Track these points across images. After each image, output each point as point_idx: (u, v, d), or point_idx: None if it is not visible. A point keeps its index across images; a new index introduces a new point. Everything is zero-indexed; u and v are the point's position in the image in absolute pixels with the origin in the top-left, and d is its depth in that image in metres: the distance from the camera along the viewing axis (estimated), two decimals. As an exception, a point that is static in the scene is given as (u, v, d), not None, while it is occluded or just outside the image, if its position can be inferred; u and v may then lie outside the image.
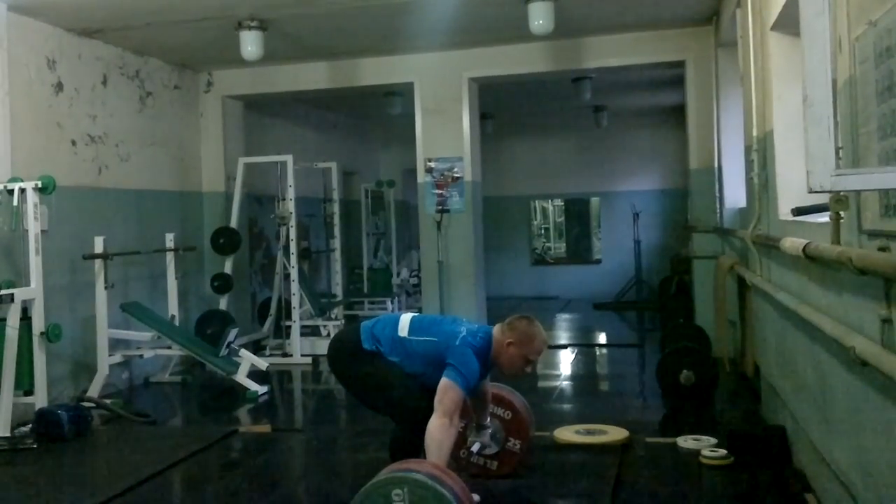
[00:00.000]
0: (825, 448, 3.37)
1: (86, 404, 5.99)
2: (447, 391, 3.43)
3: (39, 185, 5.60)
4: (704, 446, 4.55)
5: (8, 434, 5.19)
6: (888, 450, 2.48)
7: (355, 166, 12.96)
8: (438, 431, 3.34)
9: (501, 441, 4.13)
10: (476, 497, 3.88)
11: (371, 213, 12.42)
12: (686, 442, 4.70)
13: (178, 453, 4.91)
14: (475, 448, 4.02)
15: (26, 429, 5.32)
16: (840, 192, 2.59)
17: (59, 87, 6.67)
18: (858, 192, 2.63)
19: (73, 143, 6.82)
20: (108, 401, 6.24)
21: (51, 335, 5.53)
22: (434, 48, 8.15)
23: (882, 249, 2.35)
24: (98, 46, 7.14)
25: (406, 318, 3.77)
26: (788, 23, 4.18)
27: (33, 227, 5.58)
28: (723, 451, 4.40)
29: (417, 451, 3.56)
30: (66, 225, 6.49)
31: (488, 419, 4.07)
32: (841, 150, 2.70)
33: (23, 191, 5.60)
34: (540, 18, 6.34)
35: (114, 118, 7.33)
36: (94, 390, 6.45)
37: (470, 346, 3.57)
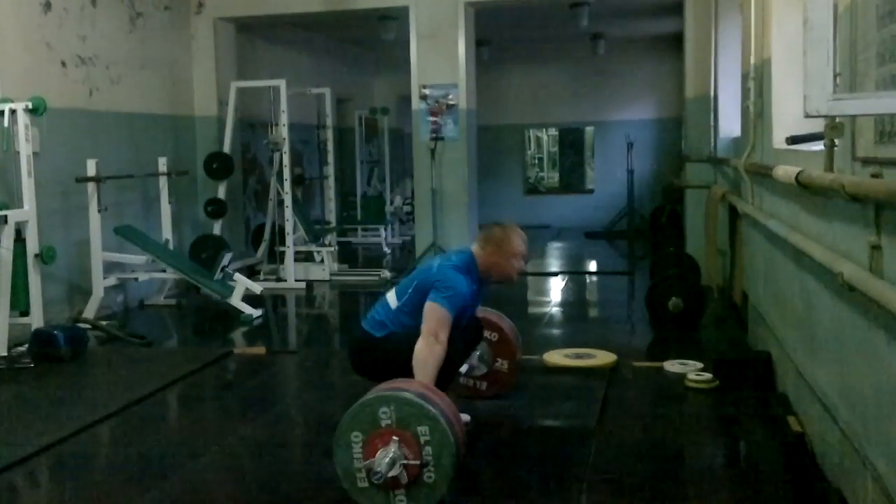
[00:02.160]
0: (809, 372, 3.45)
1: (82, 325, 6.05)
2: (429, 312, 3.44)
3: (30, 107, 5.53)
4: (690, 370, 4.64)
5: (5, 353, 5.25)
6: (870, 373, 2.55)
7: (349, 93, 12.82)
8: (423, 351, 3.36)
9: (489, 362, 4.20)
10: (466, 417, 3.98)
11: (365, 141, 12.35)
12: (672, 366, 4.79)
13: (173, 373, 4.99)
14: (464, 369, 4.09)
15: (23, 349, 5.38)
16: (836, 117, 2.60)
17: (48, 6, 6.53)
18: (853, 120, 2.63)
19: (63, 64, 6.71)
20: (103, 322, 6.29)
21: (45, 257, 5.55)
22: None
23: (875, 176, 2.37)
24: (86, -36, 6.98)
25: (390, 292, 3.76)
26: (791, -53, 4.12)
27: (25, 148, 5.54)
28: (708, 375, 4.50)
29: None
30: (58, 147, 6.44)
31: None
32: (839, 77, 2.69)
33: (13, 112, 5.54)
34: (538, -59, 6.21)
35: (104, 39, 7.21)
36: (89, 312, 6.50)
37: (450, 268, 3.58)
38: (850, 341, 2.79)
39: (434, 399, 2.96)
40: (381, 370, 3.49)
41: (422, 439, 2.86)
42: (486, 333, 4.15)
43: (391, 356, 3.54)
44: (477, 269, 3.68)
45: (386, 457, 2.83)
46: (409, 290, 3.63)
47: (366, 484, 2.90)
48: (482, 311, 4.12)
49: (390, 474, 2.83)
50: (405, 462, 2.85)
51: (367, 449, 2.88)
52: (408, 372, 3.41)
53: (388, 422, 2.87)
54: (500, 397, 4.25)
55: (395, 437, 2.86)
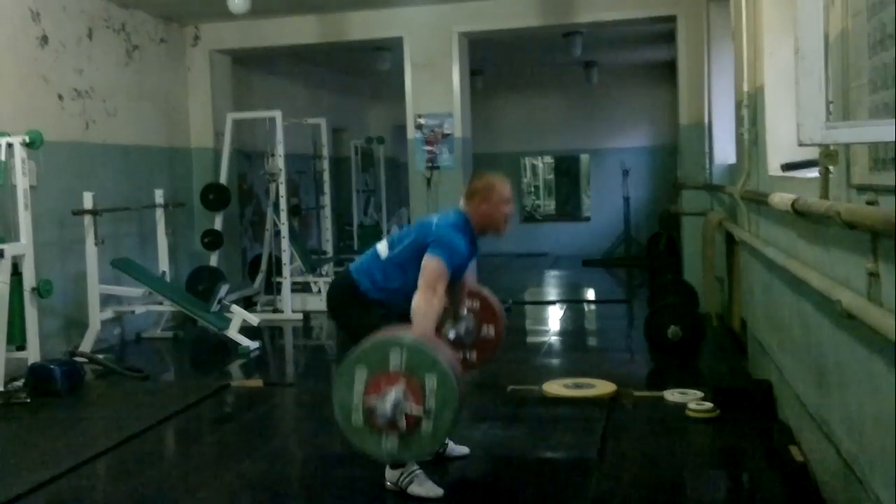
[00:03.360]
0: (810, 401, 3.43)
1: (78, 359, 6.01)
2: (428, 265, 3.39)
3: (27, 140, 5.55)
4: (691, 399, 4.61)
5: (1, 389, 5.21)
6: (871, 402, 2.53)
7: (344, 122, 12.86)
8: (422, 304, 3.29)
9: (476, 331, 4.13)
10: (464, 449, 3.95)
11: (361, 170, 12.37)
12: (673, 395, 4.77)
13: (170, 407, 4.95)
14: (451, 336, 4.03)
15: (19, 383, 5.33)
16: (830, 145, 2.61)
17: (44, 40, 6.57)
18: (848, 147, 2.64)
19: (60, 97, 6.74)
20: (100, 356, 6.26)
21: (42, 290, 5.53)
22: (423, 2, 8.06)
23: (870, 203, 2.37)
24: (83, -1, 7.03)
25: (381, 243, 3.74)
26: (781, -23, 4.16)
27: (21, 182, 5.54)
28: (709, 405, 4.47)
29: None
30: (55, 180, 6.45)
31: (465, 311, 4.07)
32: (832, 105, 2.70)
33: (10, 146, 5.55)
34: (531, -28, 6.27)
35: (100, 72, 7.25)
36: (86, 346, 6.46)
37: (450, 226, 3.56)
38: (849, 369, 2.78)
39: (445, 353, 2.92)
40: (348, 327, 3.57)
41: (428, 389, 2.82)
42: (469, 303, 4.10)
43: (364, 321, 3.51)
44: (471, 227, 3.64)
45: (389, 399, 2.79)
46: (405, 244, 3.60)
47: (360, 422, 2.86)
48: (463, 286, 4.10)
49: (390, 417, 2.78)
50: (407, 408, 2.80)
51: (370, 388, 2.84)
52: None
53: (398, 365, 2.82)
54: (501, 426, 4.21)
55: (401, 382, 2.81)
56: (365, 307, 3.59)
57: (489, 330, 4.16)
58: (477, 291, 4.17)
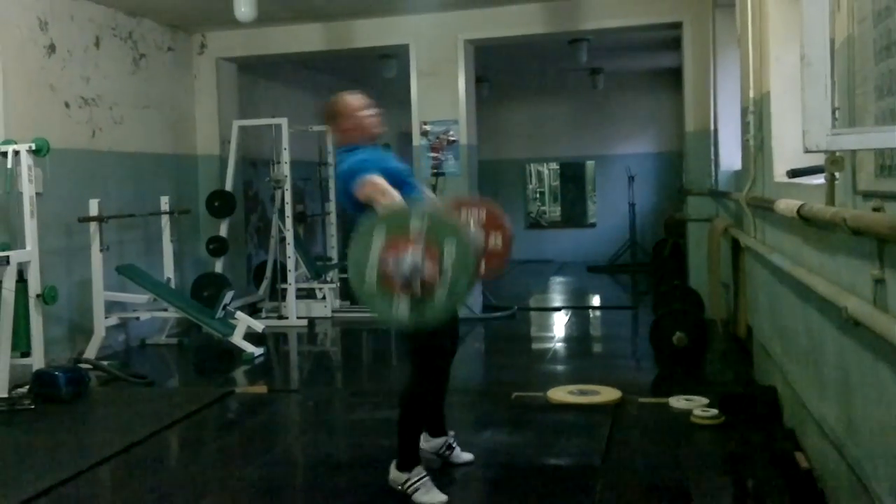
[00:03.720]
0: (815, 407, 3.41)
1: (83, 366, 6.02)
2: (361, 190, 3.31)
3: (33, 148, 5.58)
4: (696, 406, 4.60)
5: (5, 395, 5.23)
6: (877, 408, 2.52)
7: (350, 129, 12.85)
8: (385, 207, 3.20)
9: (483, 241, 4.03)
10: (468, 456, 3.95)
11: (366, 177, 12.37)
12: (678, 402, 4.75)
13: (174, 414, 4.95)
14: None
15: (24, 390, 5.34)
16: (836, 151, 2.60)
17: (52, 48, 6.60)
18: (854, 153, 2.63)
19: (67, 105, 6.77)
20: (105, 362, 6.26)
21: (47, 297, 5.54)
22: (429, 9, 8.08)
23: (876, 209, 2.36)
24: (90, 7, 7.06)
25: None
26: (786, -17, 4.16)
27: (28, 189, 5.57)
28: (714, 411, 4.46)
29: (425, 413, 3.59)
30: (61, 188, 6.47)
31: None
32: (837, 111, 2.70)
33: (16, 153, 5.58)
34: (536, -21, 6.28)
35: (107, 80, 7.27)
36: (90, 352, 6.47)
37: (344, 163, 3.53)
38: (855, 375, 2.76)
39: (467, 229, 2.95)
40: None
41: (446, 255, 2.84)
42: (476, 211, 4.04)
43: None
44: (363, 150, 3.58)
45: (407, 260, 2.81)
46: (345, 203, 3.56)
47: (374, 283, 2.86)
48: (455, 200, 4.06)
49: (406, 277, 2.80)
50: (423, 271, 2.82)
51: (388, 250, 2.85)
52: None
53: (418, 229, 2.85)
54: (505, 431, 4.20)
55: (420, 246, 2.84)
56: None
57: (496, 239, 4.04)
58: (478, 202, 4.14)
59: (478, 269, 2.96)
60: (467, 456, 3.95)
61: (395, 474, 3.51)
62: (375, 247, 2.87)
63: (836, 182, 2.82)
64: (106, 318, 6.61)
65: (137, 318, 7.10)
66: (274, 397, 5.48)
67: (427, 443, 3.86)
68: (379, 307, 2.93)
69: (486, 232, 4.02)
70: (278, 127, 8.30)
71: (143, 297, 6.97)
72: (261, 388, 5.63)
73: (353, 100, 3.70)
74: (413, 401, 3.54)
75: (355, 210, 3.49)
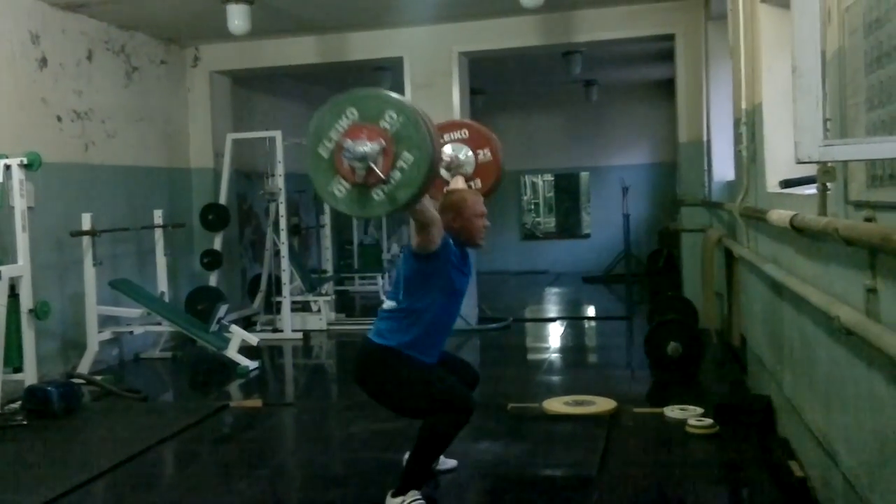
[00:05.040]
0: (809, 417, 3.41)
1: (76, 381, 5.99)
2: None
3: (25, 162, 5.57)
4: (691, 416, 4.60)
5: (-2, 410, 5.20)
6: (871, 418, 2.52)
7: (344, 142, 12.87)
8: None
9: (474, 159, 4.06)
10: (452, 462, 3.93)
11: (360, 189, 12.37)
12: (673, 412, 4.75)
13: (169, 428, 4.93)
14: (446, 175, 3.97)
15: (16, 405, 5.32)
16: (828, 162, 2.61)
17: (44, 62, 6.60)
18: (845, 164, 2.64)
19: (59, 118, 6.76)
20: (98, 377, 6.24)
21: (39, 312, 5.52)
22: (423, 22, 8.10)
23: (868, 220, 2.37)
24: (82, 21, 7.06)
25: (384, 304, 3.66)
26: (777, -6, 4.18)
27: (19, 203, 5.55)
28: (709, 421, 4.46)
29: (446, 447, 3.56)
30: (53, 202, 6.46)
31: (447, 154, 3.98)
32: (829, 122, 2.71)
33: (8, 167, 5.56)
34: (530, -9, 6.31)
35: (100, 94, 7.27)
36: (84, 367, 6.45)
37: None
38: (849, 385, 2.76)
39: (438, 146, 2.91)
40: (382, 394, 3.54)
41: (401, 163, 2.81)
42: (457, 133, 4.06)
43: (396, 383, 3.49)
44: (451, 241, 3.56)
45: (365, 147, 2.78)
46: (402, 277, 3.55)
47: (325, 155, 2.85)
48: (440, 124, 3.98)
49: (355, 160, 2.77)
50: (375, 165, 2.79)
51: (352, 131, 2.82)
52: (401, 402, 3.52)
53: (387, 126, 2.81)
54: (499, 440, 4.19)
55: (382, 141, 2.80)
56: (403, 363, 3.48)
57: (485, 153, 4.06)
58: (459, 122, 4.14)
59: (425, 189, 2.91)
60: (451, 462, 3.95)
61: (390, 501, 3.46)
62: (342, 123, 2.84)
63: (828, 192, 2.83)
64: (99, 332, 6.59)
65: (131, 333, 7.07)
66: (269, 411, 5.45)
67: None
68: (319, 179, 2.89)
69: (474, 149, 4.05)
70: (272, 140, 8.30)
71: (136, 312, 6.95)
72: (256, 402, 5.61)
73: (476, 204, 3.65)
74: (435, 437, 3.45)
75: (409, 285, 3.49)
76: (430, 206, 3.28)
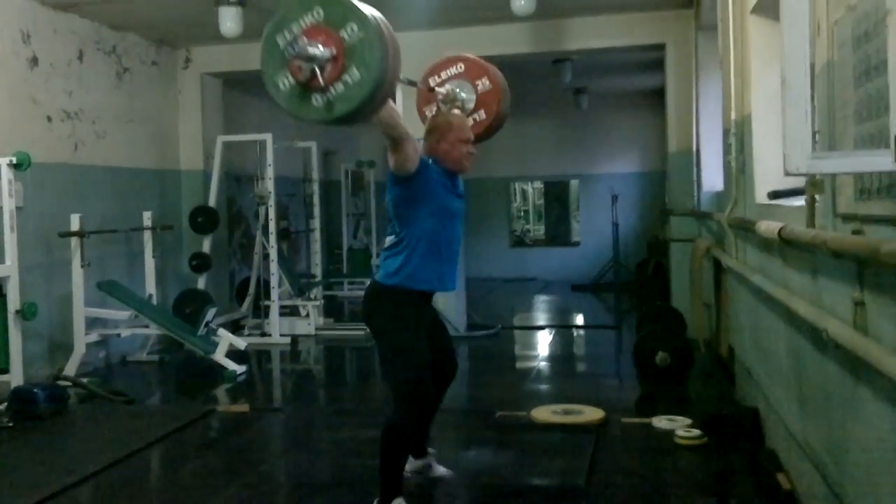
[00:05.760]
0: (797, 429, 3.42)
1: (62, 383, 5.95)
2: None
3: (14, 162, 5.54)
4: (679, 426, 4.60)
5: (-17, 412, 5.16)
6: (857, 430, 2.53)
7: (335, 146, 12.89)
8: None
9: (473, 89, 4.01)
10: (443, 469, 3.92)
11: (351, 193, 12.39)
12: (661, 422, 4.75)
13: (155, 432, 4.90)
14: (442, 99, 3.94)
15: (1, 407, 5.28)
16: (816, 175, 2.62)
17: (34, 61, 6.58)
18: (834, 176, 2.65)
19: (49, 118, 6.74)
20: (84, 379, 6.20)
21: (26, 313, 5.49)
22: (414, 27, 8.09)
23: (856, 233, 2.38)
24: (74, 20, 7.04)
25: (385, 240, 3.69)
26: (768, 6, 4.21)
27: (7, 203, 5.52)
28: (697, 432, 4.46)
29: (408, 443, 3.51)
30: (42, 202, 6.43)
31: (440, 92, 3.95)
32: (818, 134, 2.73)
33: (-3, 167, 5.54)
34: (522, -1, 6.33)
35: (90, 94, 7.25)
36: (70, 369, 6.41)
37: None
38: (836, 397, 2.77)
39: (393, 71, 2.85)
40: (368, 320, 3.59)
41: (346, 77, 2.75)
42: (454, 69, 4.02)
43: (381, 329, 3.52)
44: (436, 164, 3.55)
45: (317, 51, 2.72)
46: (391, 213, 3.52)
47: (279, 44, 2.80)
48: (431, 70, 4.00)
49: (301, 59, 2.73)
50: (322, 71, 2.74)
51: (311, 31, 2.76)
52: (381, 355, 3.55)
53: (345, 37, 2.75)
54: (487, 447, 4.18)
55: (335, 51, 2.74)
56: (390, 306, 3.50)
57: (484, 83, 4.01)
58: (456, 57, 4.06)
59: (366, 109, 2.86)
60: (443, 470, 3.94)
61: None
62: (305, 20, 2.78)
63: (817, 204, 2.84)
64: (86, 334, 6.55)
65: (118, 335, 7.03)
66: (256, 416, 5.43)
67: (409, 464, 3.84)
68: (268, 67, 2.85)
69: (472, 80, 4.00)
70: (263, 142, 8.29)
71: (124, 314, 6.91)
72: (243, 407, 5.58)
73: (462, 129, 3.62)
74: (393, 433, 3.44)
75: (394, 216, 3.48)
76: (399, 121, 3.23)
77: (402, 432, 3.44)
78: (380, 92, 2.85)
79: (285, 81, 2.84)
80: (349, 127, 3.15)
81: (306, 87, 2.80)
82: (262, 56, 2.88)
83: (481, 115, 4.01)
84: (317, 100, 2.80)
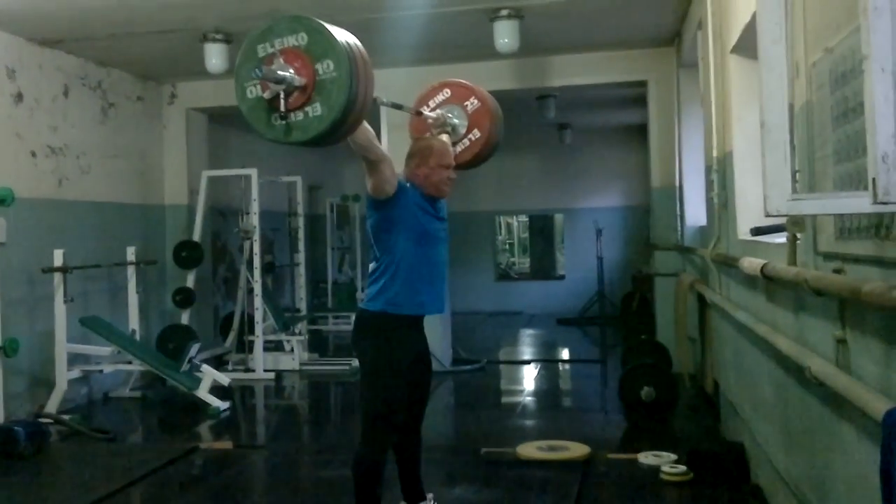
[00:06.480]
0: (781, 464, 3.43)
1: (44, 420, 5.88)
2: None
3: (-2, 198, 5.52)
4: (664, 462, 4.59)
5: (-38, 451, 5.09)
6: (841, 466, 2.54)
7: (320, 180, 12.92)
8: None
9: (464, 114, 4.00)
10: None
11: (336, 228, 12.40)
12: (647, 458, 4.74)
13: (137, 471, 4.84)
14: (440, 132, 3.92)
15: (-19, 445, 5.21)
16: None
17: (19, 97, 6.58)
18: (815, 216, 2.69)
19: (33, 154, 6.72)
20: (66, 417, 6.13)
21: (8, 349, 5.44)
22: (401, 64, 8.17)
23: (837, 272, 2.41)
24: (59, 57, 7.06)
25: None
26: (748, 46, 4.27)
27: (-9, 239, 5.50)
28: (682, 468, 4.45)
29: (377, 473, 3.45)
30: (25, 238, 6.39)
31: (430, 117, 3.92)
32: (798, 174, 2.76)
33: (-19, 203, 5.52)
34: (505, 37, 6.41)
35: (75, 129, 7.25)
36: (52, 406, 6.34)
37: None
38: (820, 434, 2.79)
39: (357, 114, 2.85)
40: (356, 348, 3.52)
41: (308, 109, 2.75)
42: (440, 96, 4.00)
43: (363, 356, 3.47)
44: (416, 189, 3.52)
45: (288, 75, 2.71)
46: (370, 238, 3.50)
47: (262, 55, 2.79)
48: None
49: (269, 81, 2.72)
50: (289, 96, 2.74)
51: (287, 54, 2.75)
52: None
53: (319, 71, 2.74)
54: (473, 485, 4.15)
55: (308, 80, 2.73)
56: (374, 337, 3.46)
57: (472, 102, 4.01)
58: (440, 84, 4.05)
59: (320, 142, 2.85)
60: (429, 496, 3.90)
61: None
62: (283, 42, 2.78)
63: (798, 242, 2.88)
64: (68, 370, 6.49)
65: (101, 371, 6.97)
66: (240, 453, 5.38)
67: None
68: (242, 70, 2.84)
69: (461, 104, 4.00)
70: (248, 178, 8.30)
71: (106, 350, 6.85)
72: (226, 444, 5.53)
73: (444, 154, 3.60)
74: (360, 465, 3.42)
75: (375, 242, 3.46)
76: (375, 143, 3.24)
77: (367, 462, 3.41)
78: (339, 129, 2.86)
79: (254, 91, 2.85)
80: (323, 148, 3.14)
81: (270, 104, 2.82)
82: (238, 59, 2.89)
83: (476, 134, 4.01)
84: (276, 120, 2.81)
